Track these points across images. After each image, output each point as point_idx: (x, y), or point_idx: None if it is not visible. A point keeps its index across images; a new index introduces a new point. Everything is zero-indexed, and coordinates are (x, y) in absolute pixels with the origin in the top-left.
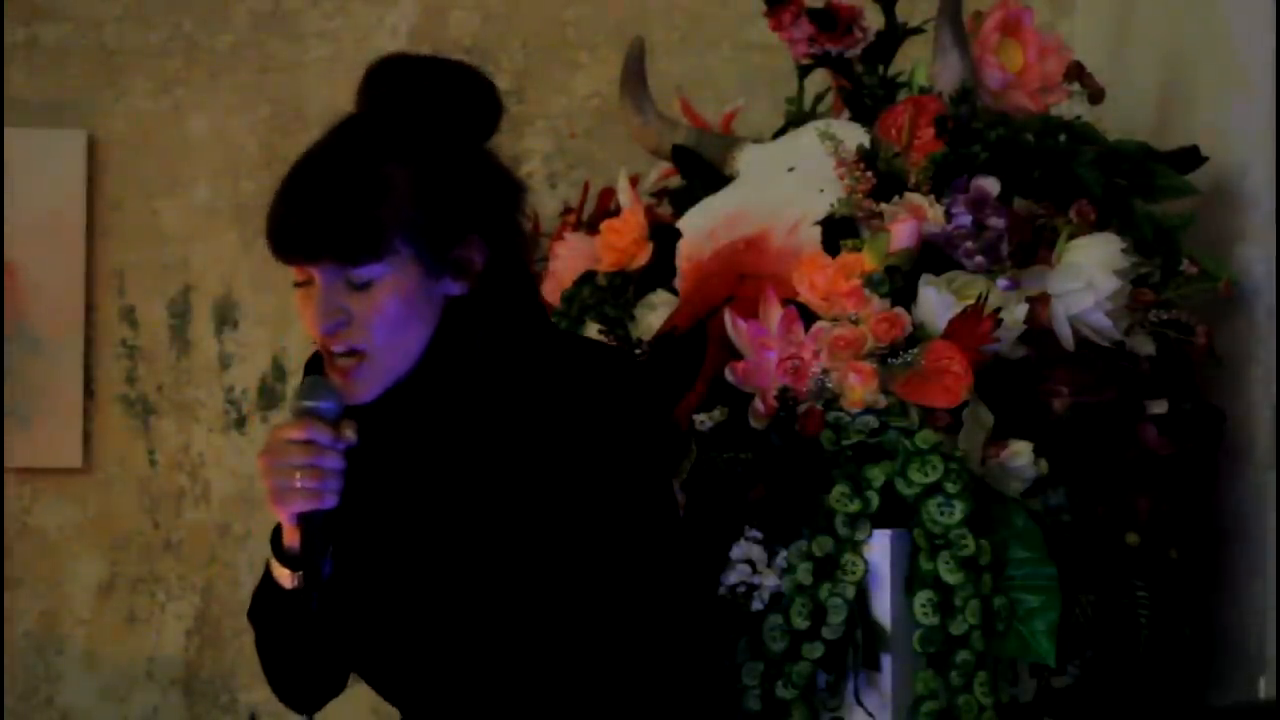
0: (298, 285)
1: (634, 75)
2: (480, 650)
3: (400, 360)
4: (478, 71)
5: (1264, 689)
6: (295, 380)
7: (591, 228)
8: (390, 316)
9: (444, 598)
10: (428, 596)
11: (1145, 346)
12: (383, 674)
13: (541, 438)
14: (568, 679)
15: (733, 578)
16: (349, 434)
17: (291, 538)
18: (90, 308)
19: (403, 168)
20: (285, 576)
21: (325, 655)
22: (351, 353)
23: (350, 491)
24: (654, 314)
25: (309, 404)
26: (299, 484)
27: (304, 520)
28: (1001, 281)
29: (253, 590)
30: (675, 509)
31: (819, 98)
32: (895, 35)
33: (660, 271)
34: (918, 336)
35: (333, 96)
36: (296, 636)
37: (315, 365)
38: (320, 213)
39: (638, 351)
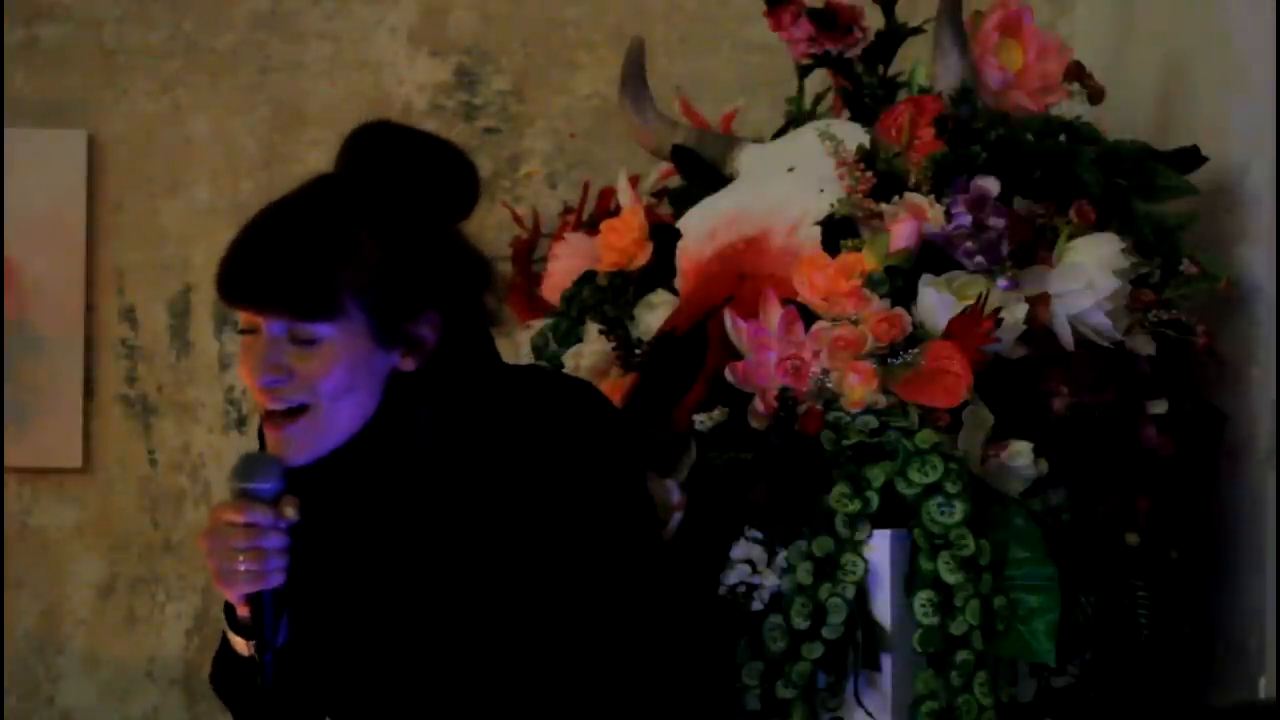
0: (242, 332)
1: (634, 75)
2: (462, 697)
3: (338, 426)
4: (460, 151)
5: (1264, 689)
6: None
7: (591, 228)
8: (334, 378)
9: (415, 655)
10: (399, 655)
11: (1145, 346)
12: None
13: (489, 488)
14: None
15: (733, 578)
16: (290, 512)
17: (243, 611)
18: (90, 308)
19: (369, 234)
20: (241, 645)
21: (289, 717)
22: (289, 411)
23: (304, 560)
24: (654, 314)
25: (247, 485)
26: (242, 566)
27: (252, 599)
28: (1001, 281)
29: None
30: (645, 525)
31: (819, 98)
32: (895, 35)
33: (660, 271)
34: (918, 336)
35: (333, 96)
36: (258, 701)
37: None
38: (277, 262)
39: (637, 351)
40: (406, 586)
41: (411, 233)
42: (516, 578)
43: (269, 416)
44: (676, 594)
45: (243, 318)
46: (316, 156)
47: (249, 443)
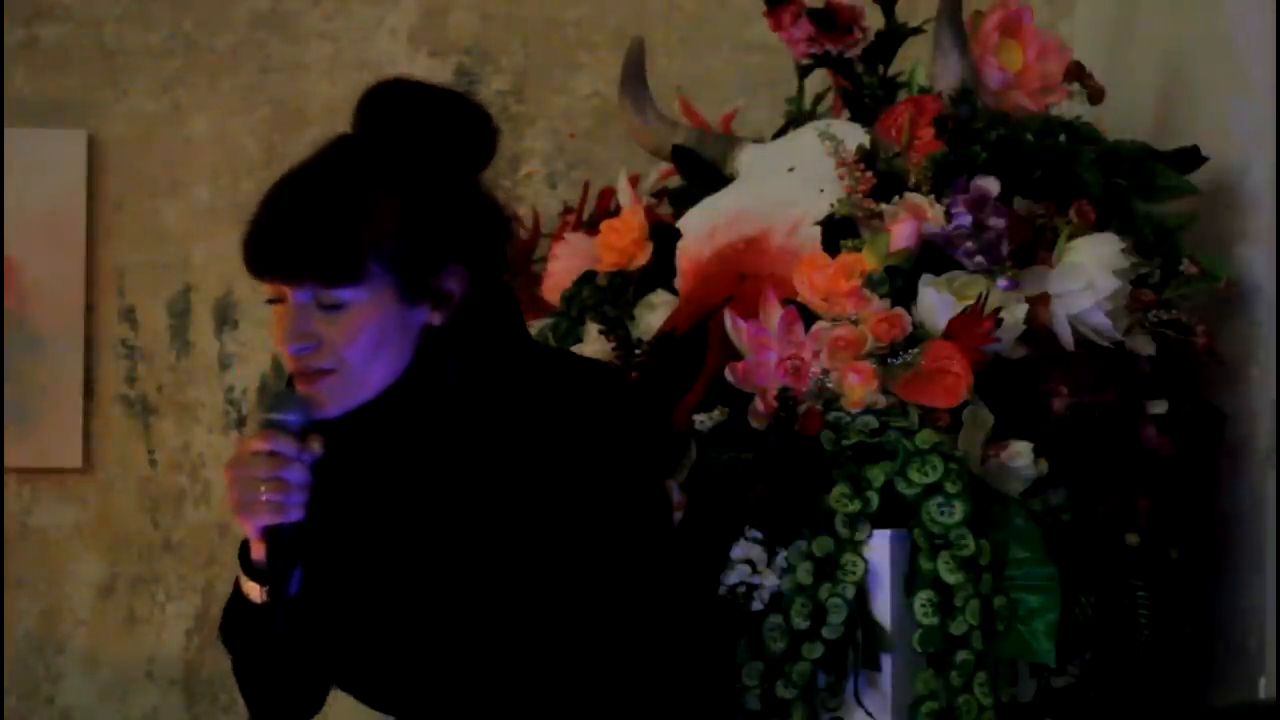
0: (270, 302)
1: (634, 75)
2: (466, 665)
3: (369, 384)
4: (476, 104)
5: (1264, 689)
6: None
7: (591, 228)
8: (362, 342)
9: (423, 617)
10: (406, 616)
11: (1145, 346)
12: (366, 689)
13: (514, 455)
14: (557, 692)
15: (733, 578)
16: (315, 447)
17: (259, 551)
18: (90, 308)
19: (388, 194)
20: (254, 591)
21: (298, 671)
22: (320, 371)
23: (321, 510)
24: (654, 314)
25: (274, 416)
26: (264, 496)
27: (270, 534)
28: (1001, 281)
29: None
30: (662, 517)
31: (819, 98)
32: (895, 35)
33: (660, 271)
34: (918, 336)
35: (333, 96)
36: (267, 652)
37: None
38: (300, 231)
39: (637, 352)
40: (417, 546)
41: (431, 187)
42: (525, 546)
43: (298, 375)
44: (681, 582)
45: (269, 288)
46: None
47: None
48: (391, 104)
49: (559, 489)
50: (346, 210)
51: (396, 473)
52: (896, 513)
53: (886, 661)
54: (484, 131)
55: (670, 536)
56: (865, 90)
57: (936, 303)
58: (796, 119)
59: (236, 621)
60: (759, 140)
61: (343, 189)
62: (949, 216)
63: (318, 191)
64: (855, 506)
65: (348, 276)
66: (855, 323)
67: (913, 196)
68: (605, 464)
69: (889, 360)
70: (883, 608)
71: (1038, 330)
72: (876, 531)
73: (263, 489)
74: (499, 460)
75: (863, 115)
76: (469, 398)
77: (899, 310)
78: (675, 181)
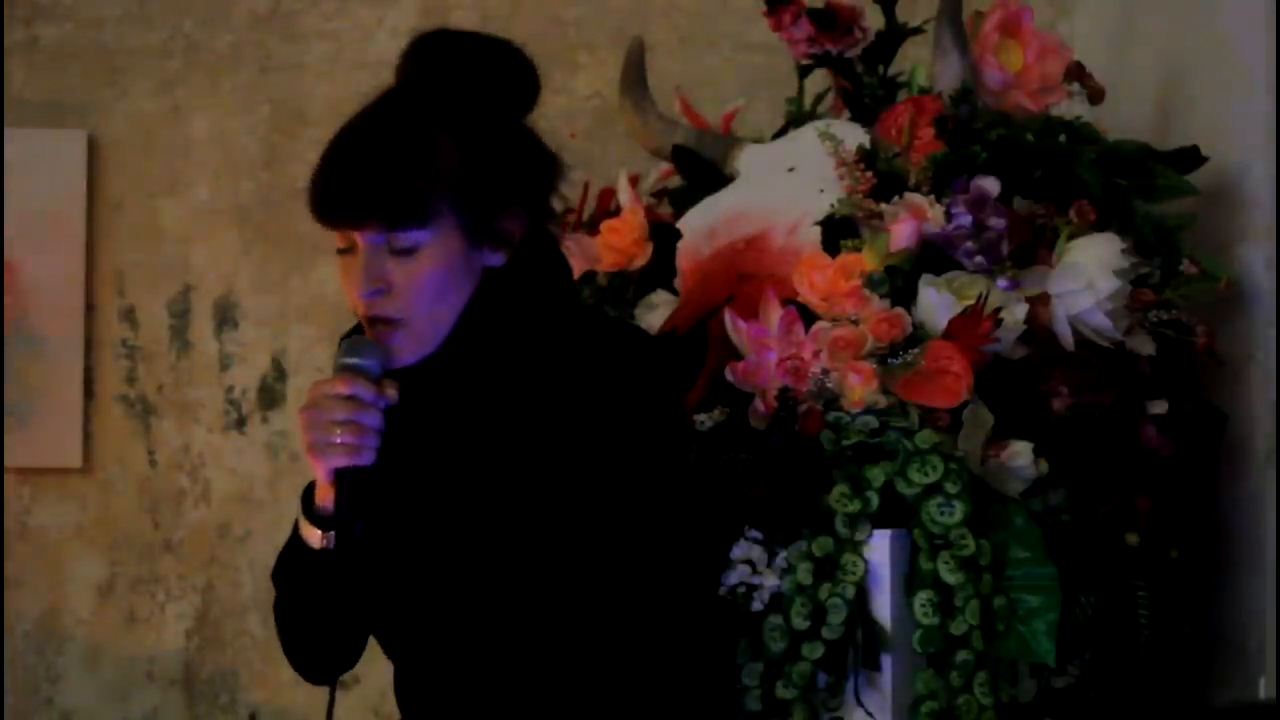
0: (340, 252)
1: (634, 75)
2: (491, 619)
3: (437, 328)
4: (519, 48)
5: (1264, 689)
6: (295, 380)
7: (591, 228)
8: (430, 285)
9: (458, 563)
10: (443, 560)
11: (1145, 346)
12: (397, 634)
13: (567, 413)
14: (572, 655)
15: (733, 578)
16: (391, 392)
17: (325, 497)
18: (90, 308)
19: (449, 136)
20: (315, 536)
21: (348, 617)
22: (388, 320)
23: (383, 457)
24: (654, 314)
25: (352, 360)
26: (339, 439)
27: (339, 477)
28: (1001, 281)
29: (279, 551)
30: (691, 493)
31: (819, 98)
32: (895, 35)
33: (660, 271)
34: (918, 336)
35: (333, 96)
36: (320, 597)
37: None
38: (368, 176)
39: None
40: (460, 497)
41: (487, 128)
42: (557, 511)
43: (371, 322)
44: (683, 579)
45: (339, 238)
46: (316, 156)
47: (249, 442)
48: (439, 53)
49: (598, 454)
50: (413, 152)
51: (447, 422)
52: (896, 513)
53: (886, 661)
54: (528, 73)
55: (691, 519)
56: (865, 90)
57: (936, 303)
58: (796, 119)
59: (292, 566)
60: (759, 140)
61: (407, 132)
62: (949, 216)
63: (383, 136)
64: (855, 506)
65: (418, 218)
66: (855, 323)
67: (913, 196)
68: (646, 436)
69: (889, 360)
70: (883, 608)
71: (1038, 330)
72: (876, 531)
73: (338, 432)
74: (544, 417)
75: (863, 115)
76: (526, 340)
77: (899, 310)
78: (675, 181)
